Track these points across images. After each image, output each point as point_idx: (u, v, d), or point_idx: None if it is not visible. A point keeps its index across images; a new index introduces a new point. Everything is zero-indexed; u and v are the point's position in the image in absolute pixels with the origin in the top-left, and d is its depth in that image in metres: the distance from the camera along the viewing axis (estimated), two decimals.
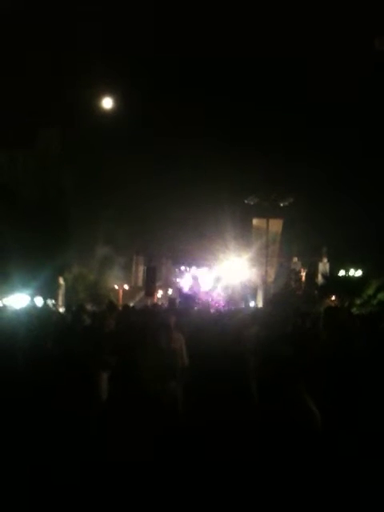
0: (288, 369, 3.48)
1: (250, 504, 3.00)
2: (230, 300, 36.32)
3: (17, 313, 11.52)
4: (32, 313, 10.52)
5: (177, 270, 51.14)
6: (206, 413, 4.74)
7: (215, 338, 8.13)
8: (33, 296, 24.96)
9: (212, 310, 19.64)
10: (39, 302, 21.33)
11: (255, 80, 42.38)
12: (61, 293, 31.76)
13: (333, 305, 29.15)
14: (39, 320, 8.88)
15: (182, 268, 51.42)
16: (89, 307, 19.24)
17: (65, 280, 33.18)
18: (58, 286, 31.64)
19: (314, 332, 6.42)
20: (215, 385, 5.64)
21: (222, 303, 35.22)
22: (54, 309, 14.84)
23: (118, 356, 4.78)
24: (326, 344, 4.42)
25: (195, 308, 19.21)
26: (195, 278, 42.71)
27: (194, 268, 51.54)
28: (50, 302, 23.77)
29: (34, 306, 17.09)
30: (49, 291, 27.67)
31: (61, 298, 30.98)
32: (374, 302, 30.07)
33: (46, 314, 11.30)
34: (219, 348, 7.43)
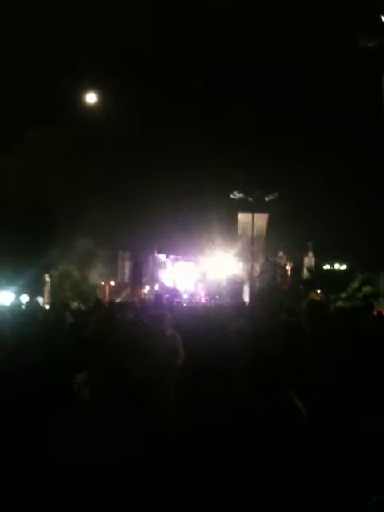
0: (274, 365, 3.50)
1: (238, 506, 3.03)
2: (216, 294, 36.40)
3: (1, 311, 11.43)
4: (17, 311, 10.44)
5: (161, 262, 51.18)
6: (196, 414, 4.75)
7: (201, 333, 8.14)
8: (18, 294, 24.79)
9: (198, 305, 19.67)
10: (25, 299, 21.19)
11: (244, 77, 42.41)
12: (47, 290, 31.62)
13: (318, 299, 29.32)
14: (24, 318, 8.83)
15: (165, 260, 51.44)
16: (75, 304, 19.15)
17: (51, 277, 33.04)
18: (43, 283, 31.50)
19: (298, 327, 6.46)
20: (204, 384, 5.64)
21: (207, 298, 35.27)
22: (39, 306, 14.74)
23: (101, 357, 4.68)
24: (309, 339, 4.45)
25: (181, 303, 19.24)
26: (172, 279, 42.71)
27: (179, 262, 51.56)
28: (38, 299, 23.64)
29: (20, 304, 16.97)
30: (35, 289, 27.53)
31: (47, 296, 30.83)
32: (359, 295, 30.31)
33: (31, 311, 11.22)
34: (206, 344, 7.44)
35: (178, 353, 6.11)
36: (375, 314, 9.62)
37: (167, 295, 23.81)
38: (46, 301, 28.31)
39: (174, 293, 31.84)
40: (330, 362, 3.95)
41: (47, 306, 18.94)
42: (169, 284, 47.88)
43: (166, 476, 3.78)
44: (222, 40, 38.70)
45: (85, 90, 24.18)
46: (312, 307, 5.08)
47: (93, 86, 26.11)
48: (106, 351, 4.10)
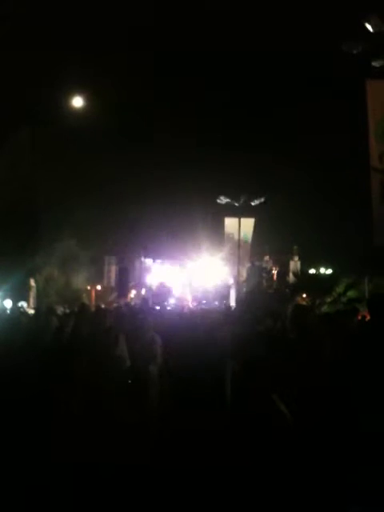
0: (259, 371, 3.50)
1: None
2: (203, 299, 36.42)
3: None
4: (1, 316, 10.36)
5: (148, 267, 51.07)
6: (181, 419, 4.74)
7: (188, 338, 8.13)
8: (2, 299, 24.60)
9: (184, 310, 19.65)
10: (9, 304, 21.04)
11: (232, 82, 42.57)
12: (32, 295, 31.40)
13: (304, 303, 29.44)
14: (8, 323, 8.75)
15: (152, 265, 51.36)
16: (61, 309, 19.04)
17: (36, 282, 32.81)
18: (29, 287, 31.28)
19: (284, 332, 6.48)
20: (191, 389, 5.63)
21: (193, 302, 35.28)
22: (23, 311, 14.64)
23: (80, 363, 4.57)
24: (294, 344, 4.47)
25: (167, 307, 19.21)
26: (162, 284, 42.72)
27: (166, 266, 51.53)
28: (21, 304, 23.48)
29: (4, 309, 16.85)
30: (19, 293, 27.32)
31: (32, 300, 30.62)
32: (344, 299, 30.46)
33: (15, 316, 11.14)
34: (193, 349, 7.43)
35: (156, 357, 6.11)
36: (359, 317, 9.68)
37: (151, 300, 23.77)
38: (31, 306, 28.12)
39: (162, 297, 31.81)
40: (311, 366, 3.97)
41: (32, 311, 18.82)
42: (155, 288, 47.78)
43: (152, 481, 3.76)
44: (214, 41, 38.82)
45: (71, 90, 24.12)
46: (296, 312, 5.10)
47: (80, 87, 26.05)
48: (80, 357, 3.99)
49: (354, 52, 11.98)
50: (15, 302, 22.79)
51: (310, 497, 3.00)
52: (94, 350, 4.94)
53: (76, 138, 33.20)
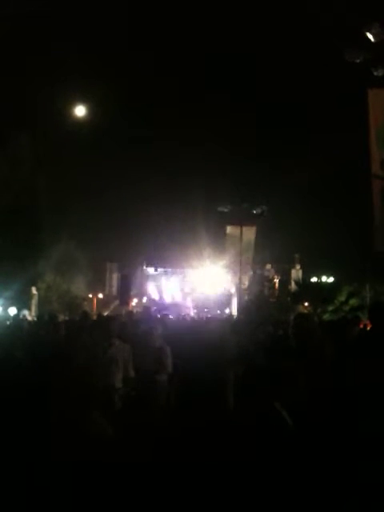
0: (261, 378, 3.50)
1: None
2: (205, 307, 36.40)
3: None
4: (2, 324, 10.38)
5: (150, 275, 51.06)
6: (186, 422, 4.71)
7: (190, 346, 8.13)
8: (6, 306, 24.63)
9: (186, 318, 19.65)
10: (13, 312, 21.07)
11: (230, 87, 42.74)
12: (34, 303, 31.39)
13: (305, 311, 29.41)
14: (10, 329, 8.78)
15: (154, 273, 51.34)
16: (62, 317, 19.05)
17: (38, 289, 32.80)
18: (30, 295, 31.27)
19: (285, 339, 6.49)
20: (196, 396, 5.60)
21: (196, 311, 35.25)
22: (25, 319, 14.67)
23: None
24: (296, 352, 4.47)
25: (169, 316, 19.20)
26: (160, 291, 42.71)
27: (168, 275, 51.51)
28: (24, 312, 23.50)
29: (7, 317, 16.88)
30: (21, 301, 27.33)
31: (34, 308, 30.61)
32: (346, 308, 30.49)
33: (16, 324, 11.16)
34: (196, 357, 7.39)
35: (164, 365, 6.07)
36: (361, 325, 9.68)
37: (155, 308, 23.76)
38: (33, 314, 28.12)
39: (162, 305, 31.81)
40: (313, 372, 3.97)
41: (34, 319, 18.81)
42: (156, 296, 47.76)
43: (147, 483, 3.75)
44: (216, 48, 39.02)
45: (73, 95, 24.20)
46: (299, 320, 5.10)
47: (81, 89, 26.16)
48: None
49: (357, 61, 12.06)
50: (19, 310, 22.83)
51: (310, 497, 3.00)
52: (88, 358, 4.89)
53: (76, 145, 33.28)
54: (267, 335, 7.69)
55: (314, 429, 3.45)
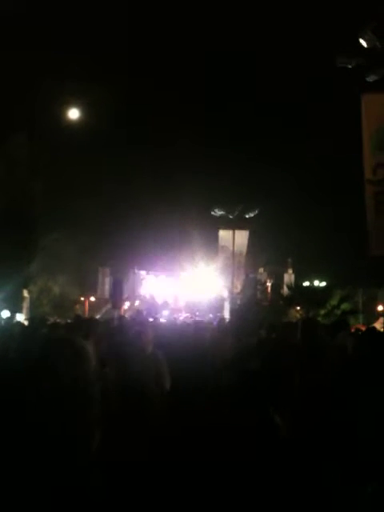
0: (254, 383, 3.49)
1: None
2: (197, 311, 36.37)
3: None
4: None
5: (142, 278, 51.01)
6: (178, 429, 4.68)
7: (182, 351, 8.09)
8: None
9: (178, 322, 19.57)
10: (6, 315, 20.90)
11: (224, 92, 42.85)
12: (25, 306, 31.24)
13: (298, 315, 29.49)
14: (1, 333, 8.70)
15: (146, 276, 51.30)
16: (52, 320, 18.93)
17: (29, 292, 32.66)
18: (22, 298, 31.11)
19: (284, 343, 6.47)
20: (185, 401, 5.57)
21: (187, 314, 35.21)
22: (16, 321, 14.57)
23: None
24: (304, 356, 4.47)
25: (161, 319, 19.14)
26: (151, 296, 42.65)
27: (159, 278, 51.46)
28: (18, 315, 23.37)
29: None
30: (13, 304, 27.17)
31: (25, 311, 30.47)
32: (338, 312, 30.59)
33: (9, 327, 11.10)
34: (187, 362, 7.35)
35: (160, 374, 5.85)
36: (353, 330, 9.70)
37: (146, 312, 23.68)
38: (25, 316, 27.98)
39: (154, 309, 31.68)
40: (314, 377, 3.98)
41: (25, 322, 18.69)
42: (148, 300, 47.69)
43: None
44: (213, 54, 39.11)
45: (68, 95, 24.13)
46: (308, 325, 5.11)
47: (77, 92, 26.07)
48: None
49: (349, 66, 12.10)
50: (12, 313, 22.68)
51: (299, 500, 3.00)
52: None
53: (72, 149, 33.25)
54: (259, 339, 7.67)
55: (308, 433, 3.46)
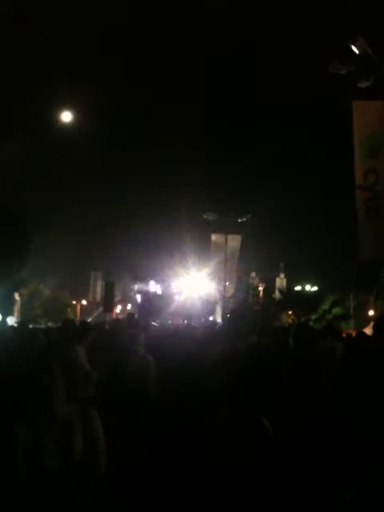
0: (241, 387, 3.52)
1: None
2: (189, 315, 36.37)
3: None
4: None
5: (133, 282, 50.92)
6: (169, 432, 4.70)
7: (172, 355, 8.10)
8: None
9: (170, 326, 19.57)
10: None
11: (215, 96, 43.01)
12: (16, 309, 31.14)
13: (290, 320, 29.56)
14: None
15: (137, 279, 51.24)
16: (44, 323, 18.90)
17: (20, 296, 32.55)
18: (13, 302, 31.00)
19: (274, 348, 6.50)
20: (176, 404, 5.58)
21: (179, 318, 35.21)
22: (10, 326, 14.54)
23: None
24: (298, 361, 4.49)
25: (153, 323, 19.13)
26: (146, 297, 42.53)
27: (151, 282, 51.41)
28: (10, 319, 23.29)
29: None
30: (4, 307, 27.07)
31: (16, 314, 30.37)
32: (329, 317, 30.70)
33: (2, 330, 11.08)
34: (178, 366, 7.36)
35: (146, 378, 5.86)
36: (344, 335, 9.75)
37: (138, 315, 23.64)
38: (15, 320, 27.88)
39: (146, 313, 31.64)
40: (309, 383, 4.01)
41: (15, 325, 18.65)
42: (140, 304, 47.63)
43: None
44: (208, 61, 39.29)
45: (62, 100, 24.17)
46: (302, 330, 5.12)
47: (70, 98, 26.11)
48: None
49: (341, 73, 12.19)
50: (4, 316, 22.61)
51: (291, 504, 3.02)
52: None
53: (63, 153, 33.24)
54: (251, 343, 7.69)
55: (299, 437, 3.48)
